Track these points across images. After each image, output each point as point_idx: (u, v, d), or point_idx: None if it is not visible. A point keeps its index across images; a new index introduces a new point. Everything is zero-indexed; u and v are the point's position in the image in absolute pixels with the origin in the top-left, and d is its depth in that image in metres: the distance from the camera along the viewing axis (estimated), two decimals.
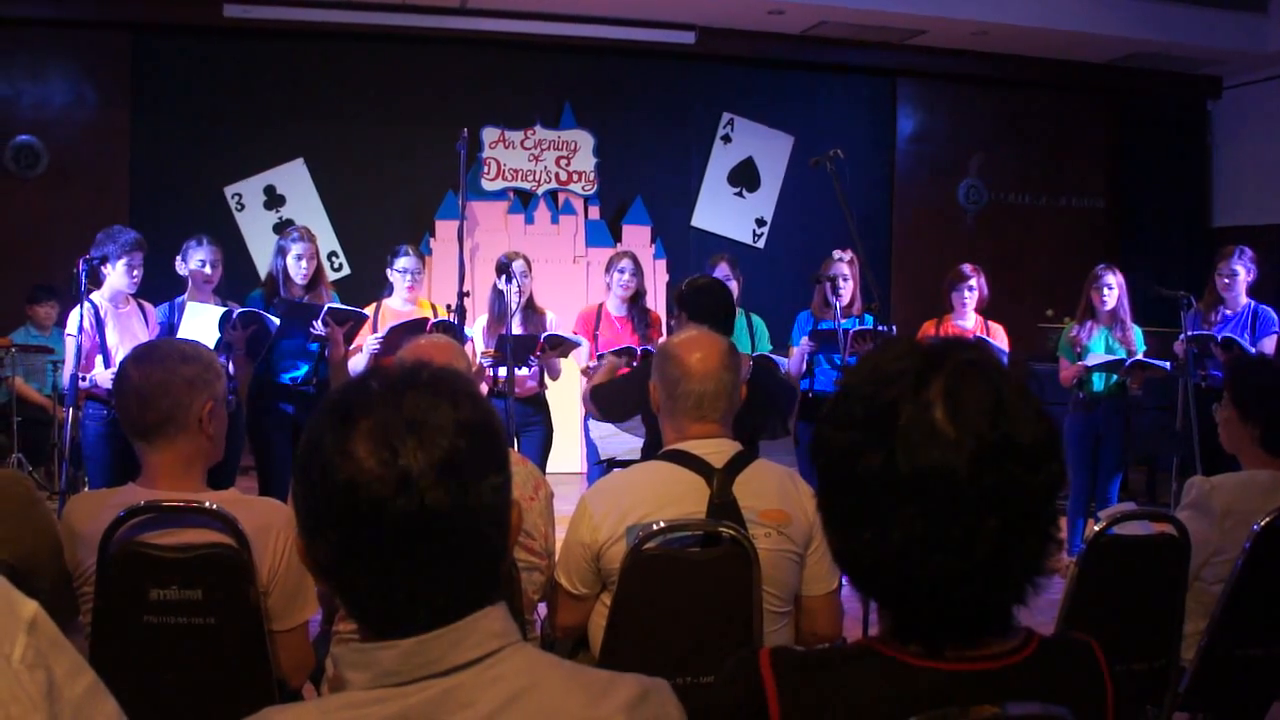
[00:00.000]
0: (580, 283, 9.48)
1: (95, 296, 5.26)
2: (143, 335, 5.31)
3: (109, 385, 5.07)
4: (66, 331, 5.31)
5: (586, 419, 6.13)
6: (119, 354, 5.14)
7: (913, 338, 1.34)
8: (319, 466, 1.20)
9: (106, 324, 5.27)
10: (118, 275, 5.30)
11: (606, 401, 4.73)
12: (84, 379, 5.16)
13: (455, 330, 5.55)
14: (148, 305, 5.53)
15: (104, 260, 5.25)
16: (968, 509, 1.21)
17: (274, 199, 9.58)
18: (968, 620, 1.29)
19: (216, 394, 2.56)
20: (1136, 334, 6.42)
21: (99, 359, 5.22)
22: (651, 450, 4.18)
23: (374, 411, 1.21)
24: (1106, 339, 6.40)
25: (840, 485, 1.30)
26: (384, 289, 6.22)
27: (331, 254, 9.49)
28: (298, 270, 5.76)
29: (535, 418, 6.06)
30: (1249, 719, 3.34)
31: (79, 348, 5.15)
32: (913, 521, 1.22)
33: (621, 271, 6.23)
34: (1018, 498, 1.23)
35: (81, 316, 5.15)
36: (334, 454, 1.19)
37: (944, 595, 1.25)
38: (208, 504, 2.46)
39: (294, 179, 9.62)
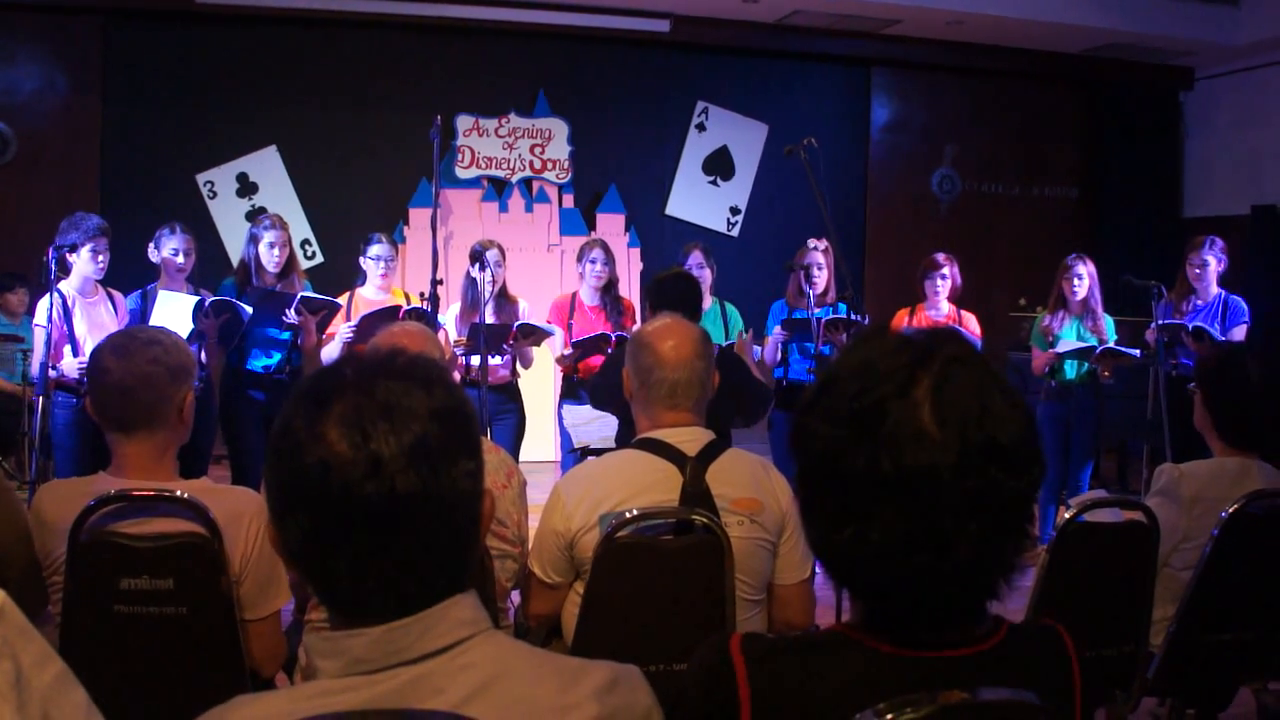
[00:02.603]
0: (554, 271, 9.46)
1: (64, 286, 5.23)
2: (111, 325, 5.28)
3: (76, 374, 5.06)
4: (35, 321, 5.28)
5: (560, 407, 6.13)
6: (87, 343, 5.11)
7: (901, 332, 1.34)
8: (291, 449, 1.20)
9: (74, 313, 5.24)
10: (83, 262, 5.27)
11: (596, 396, 4.80)
12: (53, 368, 5.14)
13: (428, 318, 5.53)
14: (116, 294, 5.50)
15: (72, 249, 5.21)
16: (950, 511, 1.22)
17: (247, 186, 9.51)
18: (942, 615, 1.30)
19: (192, 382, 2.56)
20: (1108, 323, 6.46)
21: (67, 348, 5.19)
22: (624, 438, 4.20)
23: (347, 396, 1.21)
24: (1078, 328, 6.44)
25: (823, 481, 1.29)
26: (358, 277, 6.20)
27: (305, 242, 9.44)
28: (270, 258, 5.74)
29: (508, 406, 6.06)
30: (1217, 704, 3.37)
31: (48, 337, 5.12)
32: (894, 522, 1.23)
33: (593, 262, 6.22)
34: (999, 501, 1.24)
35: (50, 306, 5.12)
36: (306, 437, 1.19)
37: (921, 593, 1.26)
38: (179, 493, 2.45)
39: (267, 166, 9.56)
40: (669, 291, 4.54)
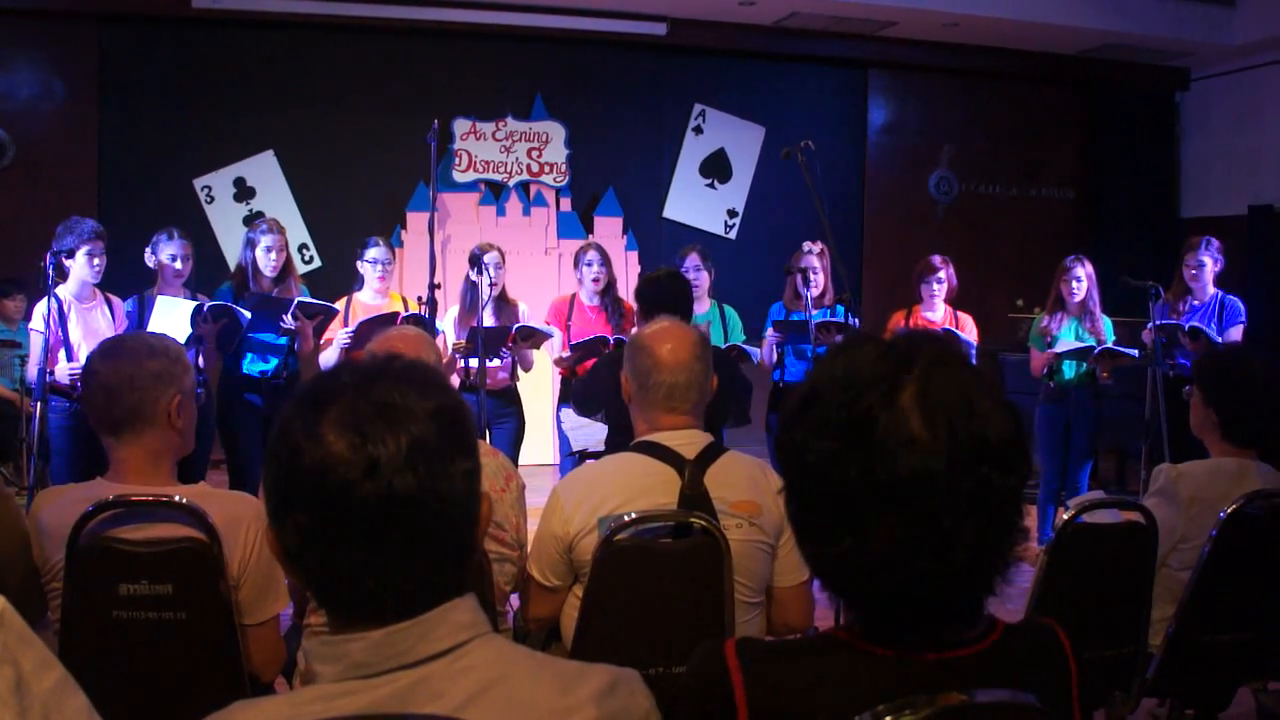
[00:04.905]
0: (552, 275, 9.46)
1: (60, 290, 5.22)
2: (107, 330, 5.28)
3: (68, 379, 5.06)
4: (31, 326, 5.29)
5: (558, 411, 6.14)
6: (81, 349, 5.11)
7: (880, 337, 1.34)
8: (289, 451, 1.21)
9: (69, 318, 5.24)
10: (79, 266, 5.27)
11: (579, 402, 4.78)
12: (49, 373, 5.13)
13: (426, 323, 5.53)
14: (115, 299, 5.50)
15: (69, 254, 5.22)
16: (947, 514, 1.22)
17: (244, 191, 9.50)
18: (939, 616, 1.30)
19: (184, 388, 2.55)
20: (1106, 324, 6.46)
21: (61, 353, 5.19)
22: (614, 444, 4.19)
23: (344, 398, 1.22)
24: (1076, 329, 6.44)
25: (816, 495, 1.29)
26: (355, 282, 6.20)
27: (302, 246, 9.43)
28: (266, 262, 5.74)
29: (507, 410, 6.05)
30: (1216, 704, 3.37)
31: (45, 342, 5.12)
32: (893, 529, 1.23)
33: (589, 265, 6.23)
34: (993, 499, 1.24)
35: (47, 311, 5.12)
36: (303, 438, 1.20)
37: (921, 597, 1.26)
38: (177, 498, 2.45)
39: (264, 171, 9.54)
40: (658, 293, 4.53)
